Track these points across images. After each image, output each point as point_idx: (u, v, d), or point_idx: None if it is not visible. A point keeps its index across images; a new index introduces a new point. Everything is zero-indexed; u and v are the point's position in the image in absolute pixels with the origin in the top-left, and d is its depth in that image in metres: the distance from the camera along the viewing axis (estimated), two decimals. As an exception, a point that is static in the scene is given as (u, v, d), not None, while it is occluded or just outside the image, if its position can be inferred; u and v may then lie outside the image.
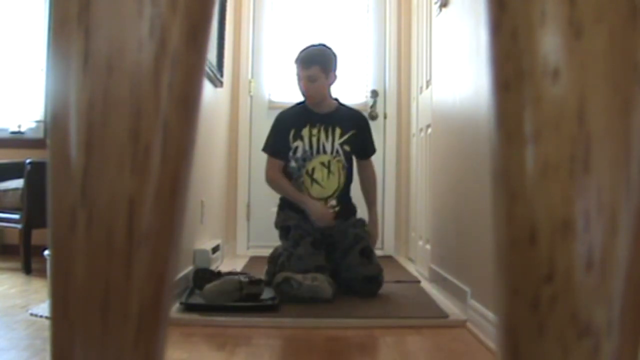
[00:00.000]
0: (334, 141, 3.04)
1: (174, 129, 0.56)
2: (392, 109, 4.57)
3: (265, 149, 3.16)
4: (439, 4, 3.15)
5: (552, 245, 0.53)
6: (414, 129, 4.18)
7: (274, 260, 3.17)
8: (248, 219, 4.59)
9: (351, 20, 4.65)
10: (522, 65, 0.54)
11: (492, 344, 2.01)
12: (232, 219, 4.56)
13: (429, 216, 3.45)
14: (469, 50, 2.57)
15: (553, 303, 0.53)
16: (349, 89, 4.61)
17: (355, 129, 3.11)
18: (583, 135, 0.53)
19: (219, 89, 3.84)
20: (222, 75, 3.81)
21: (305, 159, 3.05)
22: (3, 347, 1.86)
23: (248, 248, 4.57)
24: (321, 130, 3.05)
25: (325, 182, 3.06)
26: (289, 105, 3.29)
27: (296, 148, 3.07)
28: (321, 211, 3.00)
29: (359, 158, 3.18)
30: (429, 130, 3.55)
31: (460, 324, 2.36)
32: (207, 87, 3.40)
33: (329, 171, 3.05)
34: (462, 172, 2.67)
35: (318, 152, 3.05)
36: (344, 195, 3.12)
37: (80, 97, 0.54)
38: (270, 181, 3.13)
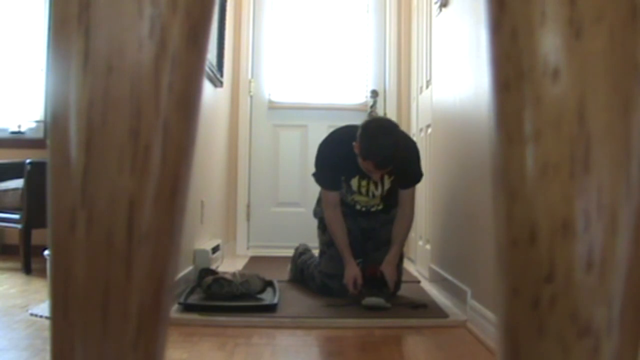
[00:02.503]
0: (383, 189, 2.90)
1: (174, 129, 0.56)
2: (392, 109, 4.57)
3: (320, 183, 2.96)
4: (439, 4, 3.15)
5: (552, 245, 0.53)
6: (414, 129, 4.18)
7: (296, 259, 3.17)
8: (248, 219, 4.60)
9: (351, 20, 4.65)
10: (522, 65, 0.54)
11: (492, 344, 2.01)
12: (232, 219, 4.56)
13: (428, 216, 3.45)
14: (469, 50, 2.57)
15: (553, 303, 0.53)
16: (349, 89, 4.61)
17: (401, 166, 2.83)
18: (583, 135, 0.53)
19: (219, 89, 3.84)
20: (222, 75, 3.81)
21: (352, 193, 2.95)
22: (3, 347, 1.86)
23: (248, 248, 4.57)
24: (370, 183, 2.88)
25: (371, 202, 2.98)
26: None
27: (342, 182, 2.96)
28: (352, 276, 2.80)
29: (399, 187, 2.93)
30: (429, 130, 3.55)
31: (460, 324, 2.36)
32: (207, 87, 3.40)
33: (373, 198, 2.97)
34: (462, 172, 2.67)
35: (366, 195, 2.94)
36: (389, 205, 2.99)
37: (80, 97, 0.54)
38: (329, 218, 2.93)
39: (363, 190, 2.90)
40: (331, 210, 2.91)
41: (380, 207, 2.98)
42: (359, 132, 2.68)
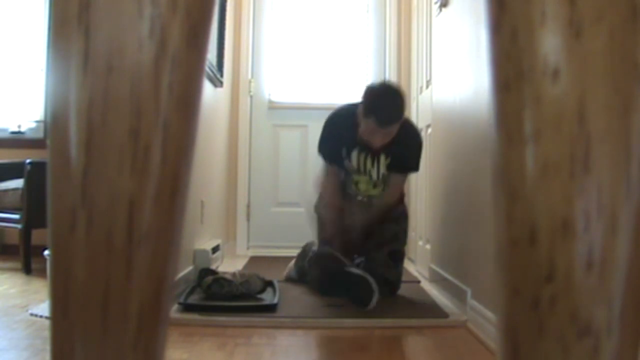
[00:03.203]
0: (379, 169, 2.91)
1: (174, 129, 0.56)
2: (392, 109, 4.56)
3: (323, 155, 2.99)
4: (439, 4, 3.15)
5: (552, 245, 0.53)
6: (414, 129, 4.17)
7: (303, 257, 3.15)
8: (248, 219, 4.60)
9: (351, 20, 4.65)
10: (522, 65, 0.54)
11: (492, 344, 2.01)
12: (232, 219, 4.56)
13: (429, 216, 3.45)
14: (469, 50, 2.57)
15: (553, 303, 0.53)
16: (349, 89, 4.61)
17: (399, 149, 2.87)
18: (583, 135, 0.53)
19: (219, 89, 3.84)
20: (222, 75, 3.81)
21: (352, 173, 2.96)
22: (3, 347, 1.86)
23: (248, 248, 4.57)
24: (368, 157, 2.90)
25: (371, 191, 2.97)
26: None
27: (343, 159, 2.98)
28: (330, 217, 2.89)
29: (391, 171, 2.94)
30: (429, 130, 3.55)
31: (460, 324, 2.36)
32: (207, 87, 3.40)
33: (374, 186, 2.97)
34: (462, 172, 2.67)
35: (365, 173, 2.94)
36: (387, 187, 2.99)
37: (80, 97, 0.54)
38: (325, 184, 2.99)
39: (362, 166, 2.91)
40: (331, 181, 2.95)
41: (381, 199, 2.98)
42: (364, 91, 2.74)
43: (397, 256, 2.90)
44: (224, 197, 4.35)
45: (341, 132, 2.90)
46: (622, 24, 0.52)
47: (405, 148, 2.88)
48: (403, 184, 3.03)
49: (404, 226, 3.02)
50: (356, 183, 2.96)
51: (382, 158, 2.90)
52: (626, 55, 0.53)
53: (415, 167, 3.01)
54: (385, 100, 2.69)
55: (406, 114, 3.05)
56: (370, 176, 2.94)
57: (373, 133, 2.72)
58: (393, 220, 2.94)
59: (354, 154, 2.91)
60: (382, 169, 2.92)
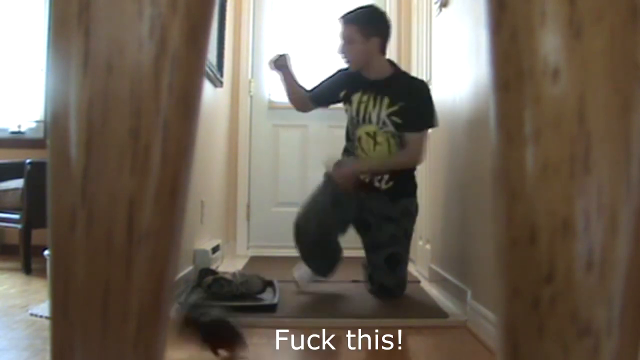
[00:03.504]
0: (380, 111, 2.81)
1: (174, 128, 0.56)
2: (392, 109, 4.56)
3: (311, 90, 3.10)
4: (439, 4, 3.15)
5: (552, 245, 0.53)
6: (414, 129, 4.17)
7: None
8: (248, 219, 4.60)
9: (351, 20, 4.64)
10: (522, 65, 0.54)
11: (492, 344, 2.01)
12: (232, 219, 4.56)
13: (429, 216, 3.45)
14: (469, 50, 2.57)
15: (553, 303, 0.53)
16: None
17: (406, 101, 2.78)
18: (583, 135, 0.53)
19: (219, 89, 3.84)
20: (222, 75, 3.81)
21: (353, 126, 2.91)
22: (3, 347, 1.86)
23: (248, 248, 4.57)
24: (370, 98, 2.83)
25: (373, 154, 2.85)
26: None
27: (346, 111, 2.96)
28: (345, 173, 2.78)
29: (405, 131, 2.80)
30: (429, 130, 3.55)
31: (460, 324, 2.36)
32: (207, 87, 3.40)
33: (375, 142, 2.84)
34: (462, 172, 2.67)
35: (364, 121, 2.85)
36: (397, 171, 2.85)
37: (80, 97, 0.54)
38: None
39: (362, 111, 2.85)
40: (298, 99, 3.09)
41: (387, 179, 2.83)
42: None
43: (396, 259, 2.77)
44: (224, 197, 4.35)
45: (345, 78, 2.95)
46: (622, 24, 0.52)
47: (412, 99, 2.79)
48: (420, 145, 2.84)
49: (406, 226, 2.87)
50: (359, 139, 2.87)
51: (386, 101, 2.79)
52: (626, 55, 0.53)
53: (429, 121, 2.84)
54: (359, 7, 2.93)
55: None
56: (370, 121, 2.82)
57: (341, 32, 2.90)
58: (393, 219, 2.82)
59: (355, 97, 2.87)
60: (385, 111, 2.79)
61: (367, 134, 2.86)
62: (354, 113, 2.89)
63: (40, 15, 4.20)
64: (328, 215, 2.76)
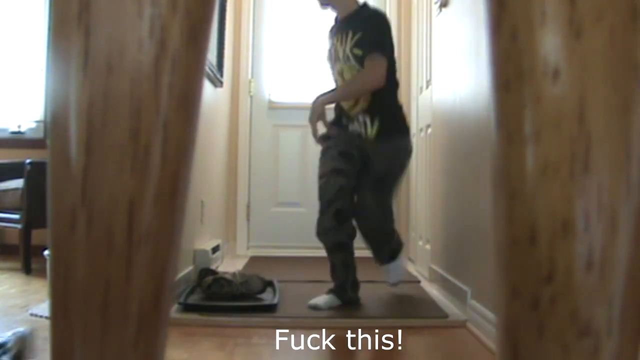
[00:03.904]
0: (346, 47, 2.81)
1: (174, 128, 0.56)
2: (392, 109, 4.56)
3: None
4: (439, 4, 3.15)
5: (552, 245, 0.53)
6: (413, 129, 4.18)
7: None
8: (248, 219, 4.60)
9: (351, 20, 4.64)
10: (522, 65, 0.54)
11: (492, 344, 2.01)
12: (232, 219, 4.56)
13: (429, 216, 3.45)
14: (469, 50, 2.57)
15: (553, 303, 0.53)
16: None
17: (363, 29, 2.76)
18: (583, 135, 0.53)
19: (219, 89, 3.84)
20: (222, 75, 3.81)
21: (332, 70, 2.93)
22: (3, 347, 1.86)
23: (248, 248, 4.57)
24: (341, 37, 2.84)
25: (346, 75, 2.83)
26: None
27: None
28: (314, 107, 2.77)
29: (364, 51, 2.76)
30: (429, 130, 3.55)
31: (460, 324, 2.36)
32: (207, 87, 3.40)
33: (343, 79, 2.83)
34: (462, 172, 2.67)
35: (337, 60, 2.86)
36: (376, 108, 2.78)
37: (80, 97, 0.54)
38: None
39: (334, 50, 2.87)
40: None
41: (370, 121, 2.79)
42: None
43: (342, 212, 2.69)
44: (224, 197, 4.35)
45: (330, 29, 2.97)
46: (622, 24, 0.52)
47: (367, 26, 2.79)
48: (375, 65, 2.74)
49: (403, 160, 2.83)
50: (335, 82, 2.90)
51: (350, 35, 2.80)
52: (626, 55, 0.53)
53: (379, 43, 2.78)
54: None
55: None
56: (339, 58, 2.83)
57: None
58: (382, 161, 2.76)
59: (333, 41, 2.89)
60: (349, 45, 2.79)
61: (339, 73, 2.87)
62: (329, 56, 2.93)
63: (40, 15, 4.21)
64: (340, 163, 2.75)
